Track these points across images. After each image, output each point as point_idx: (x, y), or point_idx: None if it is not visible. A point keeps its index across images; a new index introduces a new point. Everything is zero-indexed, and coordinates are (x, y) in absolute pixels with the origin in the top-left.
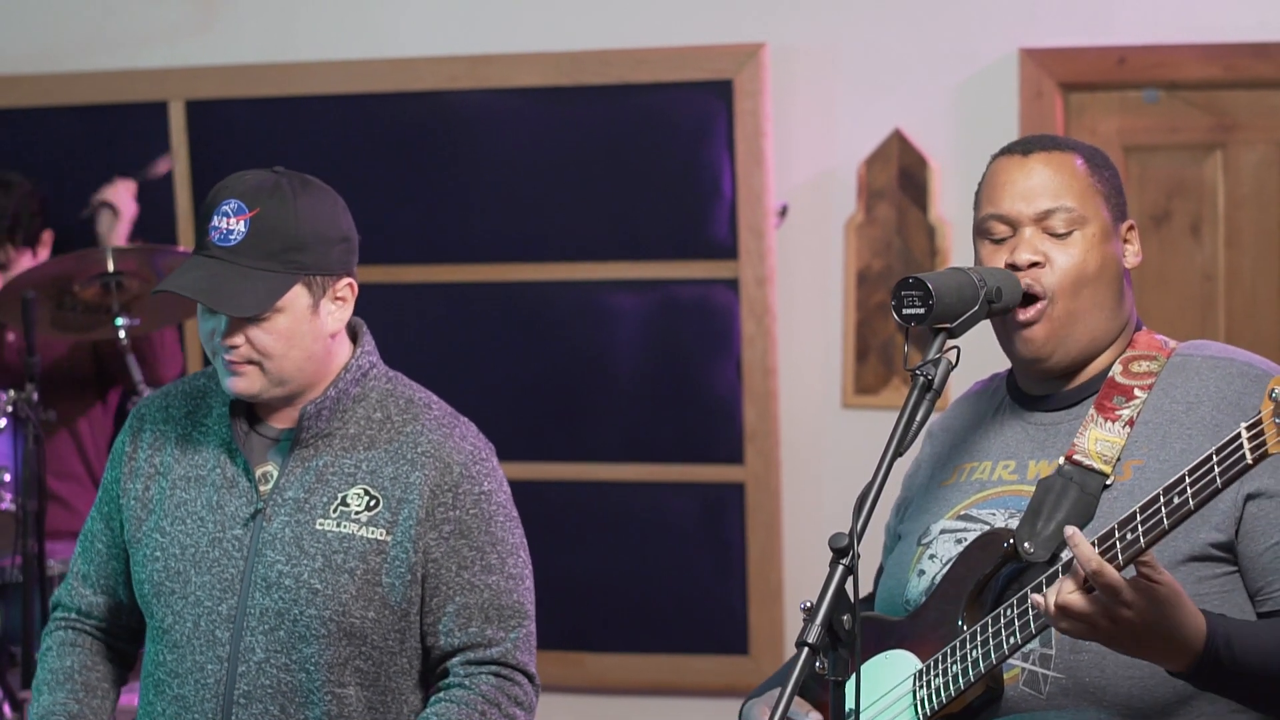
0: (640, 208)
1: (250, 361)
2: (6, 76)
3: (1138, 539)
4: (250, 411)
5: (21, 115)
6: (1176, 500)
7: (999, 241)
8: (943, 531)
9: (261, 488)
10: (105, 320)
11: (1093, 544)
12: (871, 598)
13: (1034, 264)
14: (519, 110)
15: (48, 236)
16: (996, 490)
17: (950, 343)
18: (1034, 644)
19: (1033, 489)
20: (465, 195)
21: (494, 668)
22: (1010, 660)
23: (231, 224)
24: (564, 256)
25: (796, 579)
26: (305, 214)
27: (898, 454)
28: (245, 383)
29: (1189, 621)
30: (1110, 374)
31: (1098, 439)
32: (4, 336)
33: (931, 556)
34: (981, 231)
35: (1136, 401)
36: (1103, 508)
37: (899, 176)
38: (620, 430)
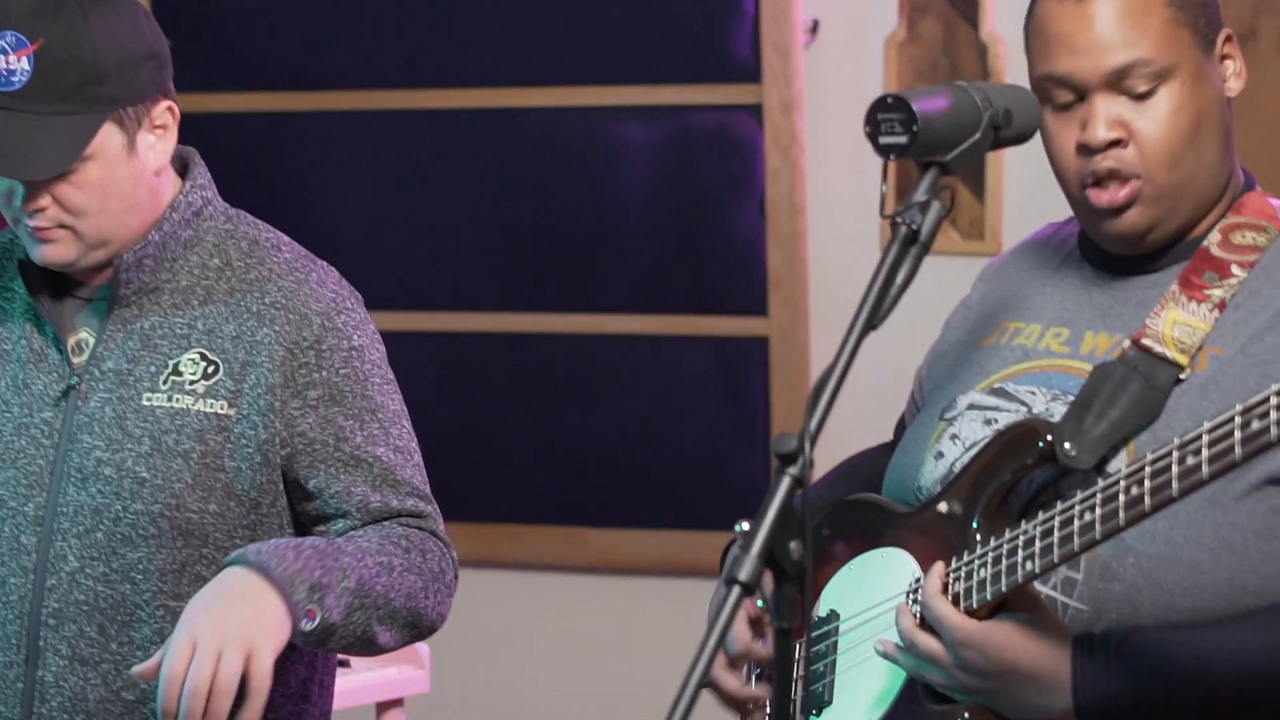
0: (650, 24)
1: (61, 225)
2: None
3: (1142, 496)
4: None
5: None
6: (1190, 461)
7: (1064, 107)
8: (970, 407)
9: (75, 359)
10: None
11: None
12: (890, 448)
13: (1114, 143)
14: None
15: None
16: (1041, 363)
17: (945, 180)
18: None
19: (1085, 366)
20: (454, 11)
21: (404, 518)
22: None
23: (11, 62)
24: (565, 79)
25: (826, 446)
26: (102, 34)
27: (868, 328)
28: (58, 250)
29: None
30: (1205, 244)
31: (1176, 322)
32: None
33: (954, 437)
34: (1041, 93)
35: (1232, 281)
36: (1171, 406)
37: None
38: (627, 277)
